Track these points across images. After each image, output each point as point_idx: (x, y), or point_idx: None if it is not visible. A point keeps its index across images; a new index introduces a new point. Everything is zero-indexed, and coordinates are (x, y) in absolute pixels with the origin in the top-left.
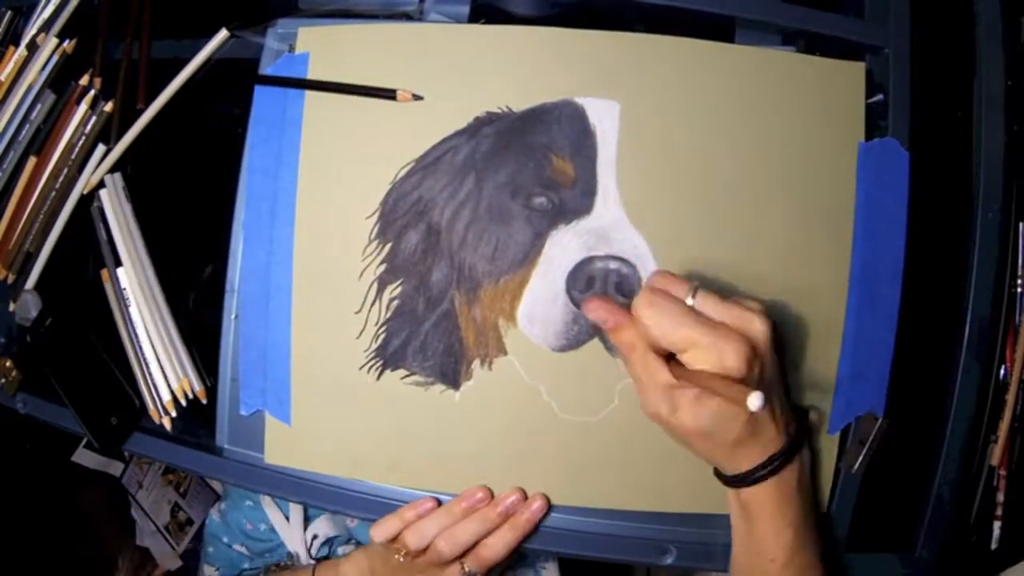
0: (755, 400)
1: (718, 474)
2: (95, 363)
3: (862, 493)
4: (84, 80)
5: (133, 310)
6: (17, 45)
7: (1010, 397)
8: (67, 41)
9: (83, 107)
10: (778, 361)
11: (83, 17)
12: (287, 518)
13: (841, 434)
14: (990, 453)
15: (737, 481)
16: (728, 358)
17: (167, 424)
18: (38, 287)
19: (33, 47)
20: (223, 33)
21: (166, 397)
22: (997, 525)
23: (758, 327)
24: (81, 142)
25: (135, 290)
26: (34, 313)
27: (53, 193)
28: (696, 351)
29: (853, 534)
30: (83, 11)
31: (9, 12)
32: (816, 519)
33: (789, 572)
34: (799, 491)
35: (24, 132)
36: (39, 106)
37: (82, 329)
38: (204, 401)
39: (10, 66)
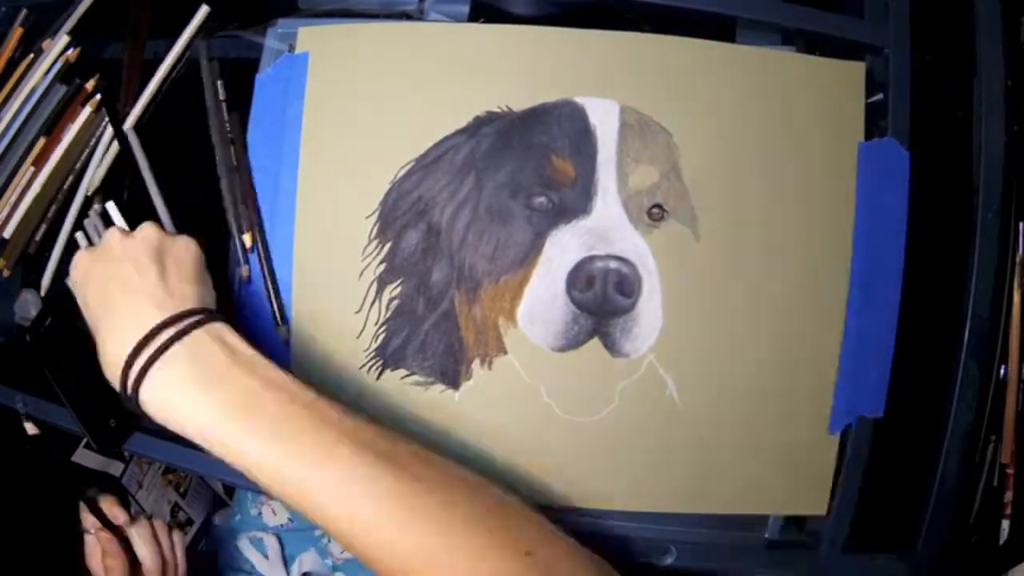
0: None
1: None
2: (94, 364)
3: (862, 493)
4: (90, 85)
5: None
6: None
7: (1011, 394)
8: (71, 49)
9: (87, 110)
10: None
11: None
12: (266, 556)
13: (841, 436)
14: (990, 452)
15: (124, 384)
16: None
17: None
18: (35, 286)
19: (39, 51)
20: (204, 9)
21: None
22: (1006, 524)
23: None
24: (84, 145)
25: None
26: (33, 312)
27: (59, 195)
28: None
29: (853, 534)
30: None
31: (25, 10)
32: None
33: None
34: (214, 364)
35: (25, 133)
36: (43, 107)
37: (82, 330)
38: None
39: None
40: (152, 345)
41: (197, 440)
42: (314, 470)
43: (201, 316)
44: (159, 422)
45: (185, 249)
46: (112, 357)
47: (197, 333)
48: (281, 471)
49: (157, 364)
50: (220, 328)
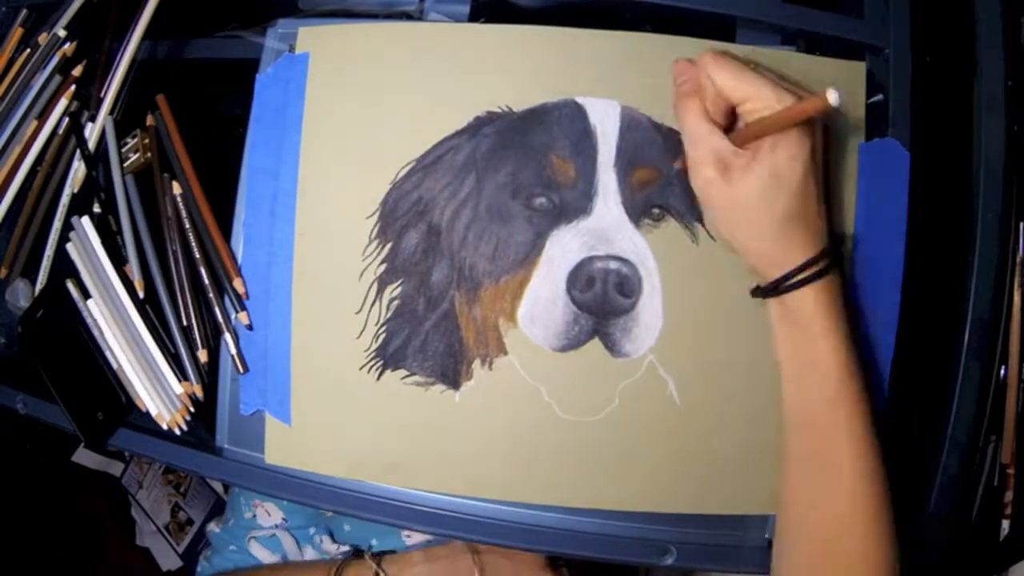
0: (833, 94)
1: (762, 291)
2: (84, 357)
3: None
4: (77, 71)
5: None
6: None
7: (1011, 394)
8: (67, 44)
9: (63, 101)
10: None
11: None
12: (284, 553)
13: None
14: (990, 452)
15: (786, 281)
16: (788, 103)
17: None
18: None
19: (36, 46)
20: None
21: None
22: (1006, 523)
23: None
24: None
25: (111, 326)
26: (23, 302)
27: (47, 190)
28: (757, 99)
29: None
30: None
31: (25, 10)
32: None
33: (843, 397)
34: (843, 307)
35: (24, 127)
36: (40, 100)
37: (73, 323)
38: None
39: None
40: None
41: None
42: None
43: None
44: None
45: None
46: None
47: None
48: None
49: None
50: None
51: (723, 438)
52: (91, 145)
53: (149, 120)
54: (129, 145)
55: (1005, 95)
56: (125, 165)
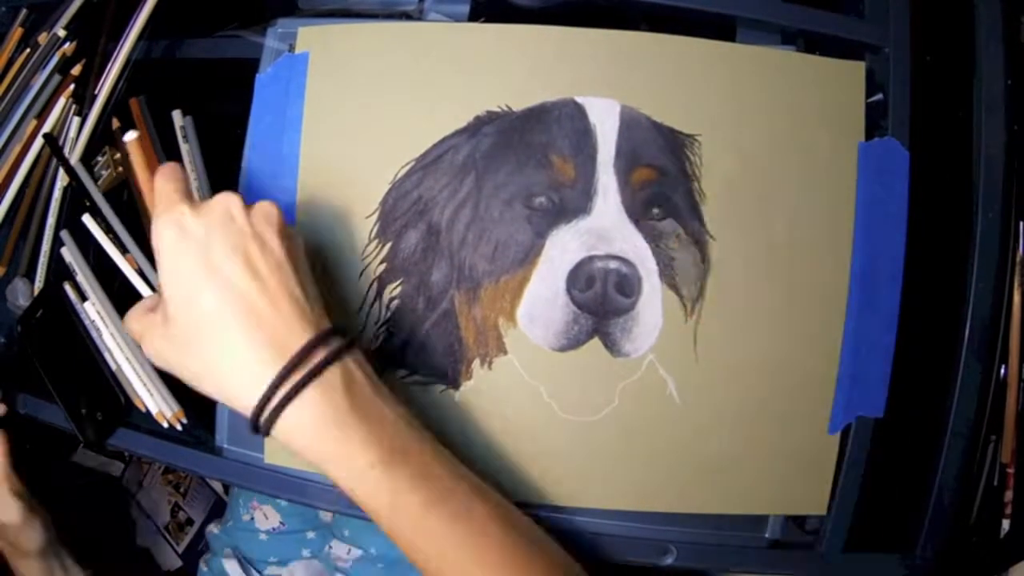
0: (130, 134)
1: (255, 430)
2: (84, 357)
3: (862, 493)
4: (76, 70)
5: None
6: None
7: (1011, 394)
8: (67, 44)
9: (62, 101)
10: (292, 249)
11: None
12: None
13: (841, 435)
14: (990, 452)
15: (261, 414)
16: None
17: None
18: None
19: (36, 46)
20: None
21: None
22: (1006, 523)
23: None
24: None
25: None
26: (22, 301)
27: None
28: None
29: (853, 534)
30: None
31: (25, 10)
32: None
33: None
34: (360, 400)
35: (23, 126)
36: (40, 99)
37: (73, 323)
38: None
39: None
40: (296, 376)
41: (330, 474)
42: (457, 524)
43: (342, 341)
44: (293, 450)
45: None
46: (239, 389)
47: (341, 363)
48: (421, 519)
49: (297, 400)
50: (358, 356)
51: (723, 438)
52: (80, 145)
53: (115, 123)
54: (100, 163)
55: (1005, 95)
56: (99, 183)
